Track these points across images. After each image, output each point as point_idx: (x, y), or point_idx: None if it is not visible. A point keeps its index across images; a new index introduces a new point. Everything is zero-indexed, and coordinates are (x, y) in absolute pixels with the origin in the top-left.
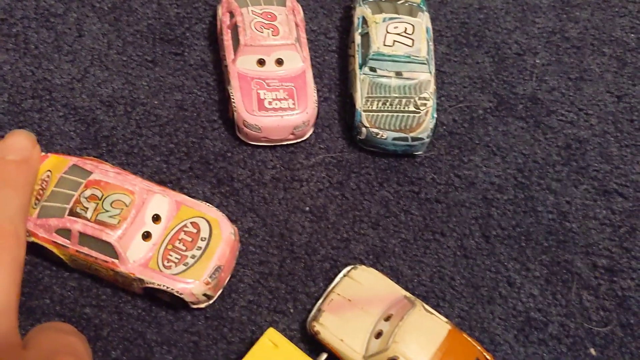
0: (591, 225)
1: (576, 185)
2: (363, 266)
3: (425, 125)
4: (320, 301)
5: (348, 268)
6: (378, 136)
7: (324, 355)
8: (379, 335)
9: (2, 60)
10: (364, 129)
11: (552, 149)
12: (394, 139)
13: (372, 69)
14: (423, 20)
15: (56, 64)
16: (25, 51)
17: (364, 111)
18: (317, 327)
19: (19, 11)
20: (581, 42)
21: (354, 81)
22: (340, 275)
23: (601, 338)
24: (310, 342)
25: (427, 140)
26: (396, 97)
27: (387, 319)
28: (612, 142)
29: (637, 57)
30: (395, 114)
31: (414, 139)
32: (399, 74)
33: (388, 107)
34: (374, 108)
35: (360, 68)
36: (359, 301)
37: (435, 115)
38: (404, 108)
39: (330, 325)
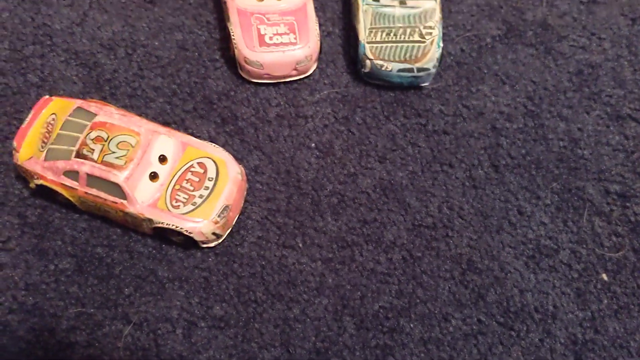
0: (603, 152)
1: (588, 111)
2: None
3: (431, 55)
4: None
5: None
6: (383, 68)
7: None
8: None
9: (1, 8)
10: (368, 62)
11: (563, 76)
12: (399, 70)
13: None
14: None
15: (55, 9)
16: None
17: (368, 43)
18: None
19: None
20: None
21: (356, 12)
22: None
23: (613, 264)
24: None
25: (433, 70)
26: (400, 27)
27: None
28: (625, 67)
29: None
30: (400, 44)
31: (419, 69)
32: (402, 3)
33: (392, 38)
34: (378, 39)
35: None
36: None
37: (441, 45)
38: (408, 38)
39: None
